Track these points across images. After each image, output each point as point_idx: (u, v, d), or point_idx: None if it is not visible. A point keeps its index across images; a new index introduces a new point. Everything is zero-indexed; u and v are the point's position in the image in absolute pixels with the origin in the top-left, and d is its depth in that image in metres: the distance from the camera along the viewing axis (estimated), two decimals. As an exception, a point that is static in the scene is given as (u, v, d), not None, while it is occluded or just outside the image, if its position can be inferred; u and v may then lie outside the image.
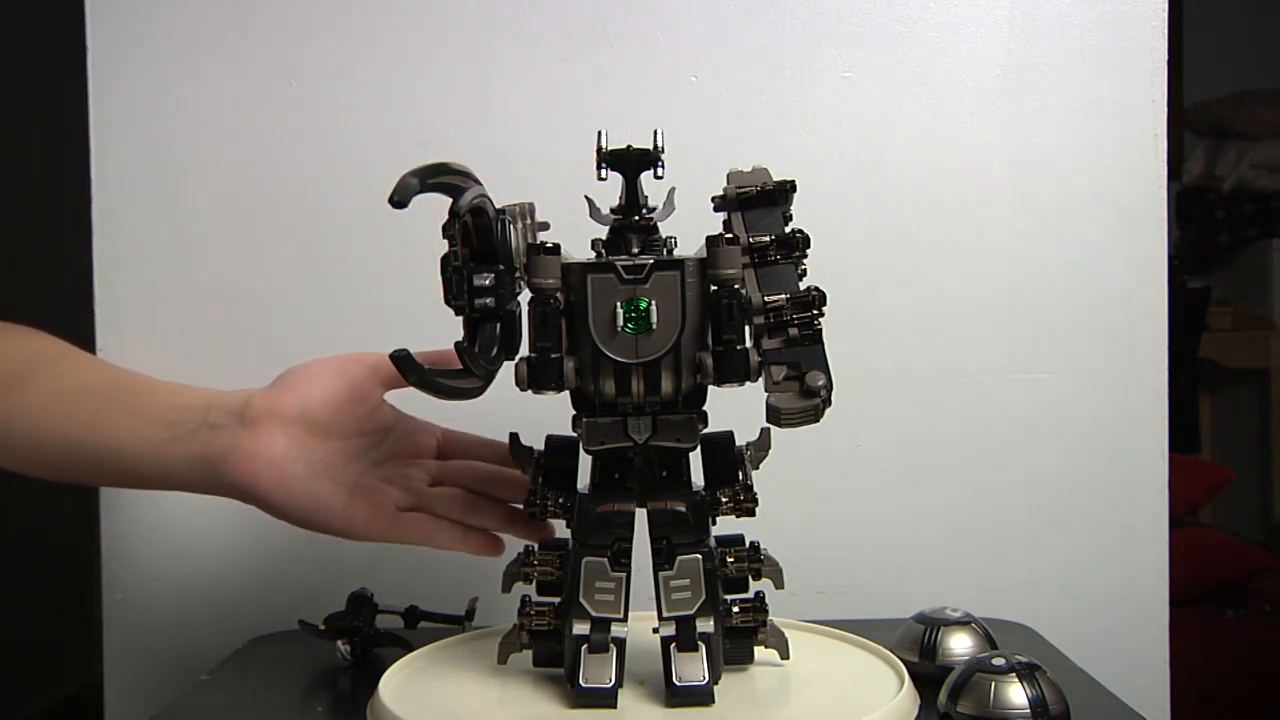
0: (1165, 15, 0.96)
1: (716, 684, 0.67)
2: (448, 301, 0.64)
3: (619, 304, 0.65)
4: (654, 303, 0.65)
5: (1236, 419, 2.96)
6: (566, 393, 0.67)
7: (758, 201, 0.68)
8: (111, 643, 0.97)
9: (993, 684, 0.63)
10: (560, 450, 0.72)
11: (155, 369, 0.80)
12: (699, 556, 0.67)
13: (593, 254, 0.68)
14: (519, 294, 0.68)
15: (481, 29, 0.96)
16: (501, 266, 0.65)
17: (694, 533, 0.68)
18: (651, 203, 0.68)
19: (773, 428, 0.64)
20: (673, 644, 0.67)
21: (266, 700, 0.77)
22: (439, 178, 0.61)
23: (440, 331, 0.66)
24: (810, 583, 0.95)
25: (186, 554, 0.96)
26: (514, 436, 0.73)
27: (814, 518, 0.95)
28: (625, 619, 0.67)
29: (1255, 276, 2.93)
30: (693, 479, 0.70)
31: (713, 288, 0.65)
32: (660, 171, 0.67)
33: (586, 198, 0.69)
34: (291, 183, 0.96)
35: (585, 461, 0.70)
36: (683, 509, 0.67)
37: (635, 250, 0.67)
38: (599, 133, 0.67)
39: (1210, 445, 2.94)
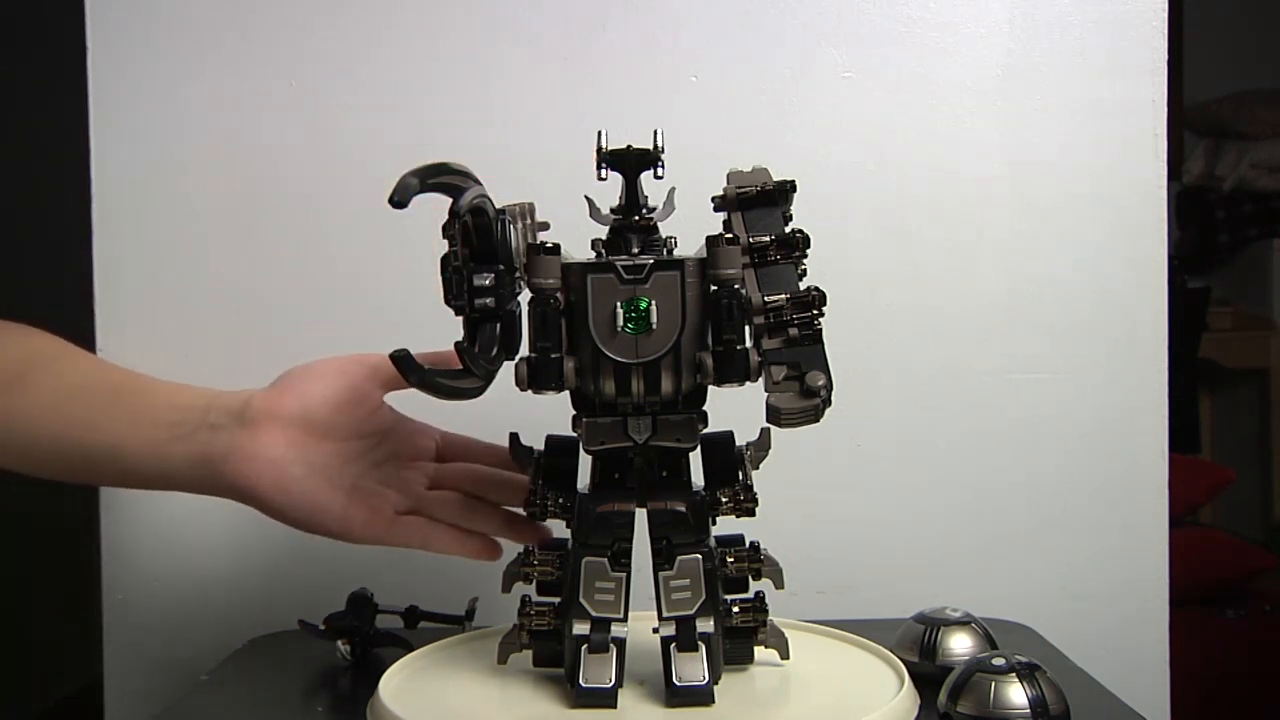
0: (1165, 15, 0.96)
1: (716, 684, 0.67)
2: (448, 301, 0.64)
3: (619, 304, 0.65)
4: (654, 303, 0.65)
5: (1236, 419, 2.96)
6: (566, 393, 0.67)
7: (758, 201, 0.68)
8: (111, 643, 0.97)
9: (993, 684, 0.63)
10: (560, 450, 0.72)
11: (155, 369, 0.80)
12: (699, 556, 0.67)
13: (593, 254, 0.68)
14: (519, 294, 0.68)
15: (481, 29, 0.96)
16: (501, 266, 0.65)
17: (694, 533, 0.68)
18: (651, 203, 0.68)
19: (773, 428, 0.64)
20: (673, 644, 0.67)
21: (266, 700, 0.77)
22: (439, 178, 0.61)
23: (440, 331, 0.66)
24: (810, 583, 0.95)
25: (187, 554, 0.96)
26: (514, 436, 0.73)
27: (814, 518, 0.95)
28: (625, 619, 0.67)
29: (1255, 276, 2.93)
30: (693, 479, 0.70)
31: (713, 288, 0.65)
32: (660, 171, 0.67)
33: (586, 198, 0.69)
34: (291, 183, 0.96)
35: (585, 461, 0.70)
36: (683, 509, 0.67)
37: (635, 250, 0.67)
38: (599, 133, 0.67)
39: (1210, 445, 2.94)
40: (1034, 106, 0.96)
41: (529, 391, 0.65)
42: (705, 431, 0.69)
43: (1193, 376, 2.76)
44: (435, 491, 0.76)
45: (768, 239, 0.67)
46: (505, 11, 0.96)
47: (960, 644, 0.72)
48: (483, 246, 0.65)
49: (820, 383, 0.62)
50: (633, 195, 0.68)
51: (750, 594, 0.71)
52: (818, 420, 0.63)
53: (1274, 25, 3.13)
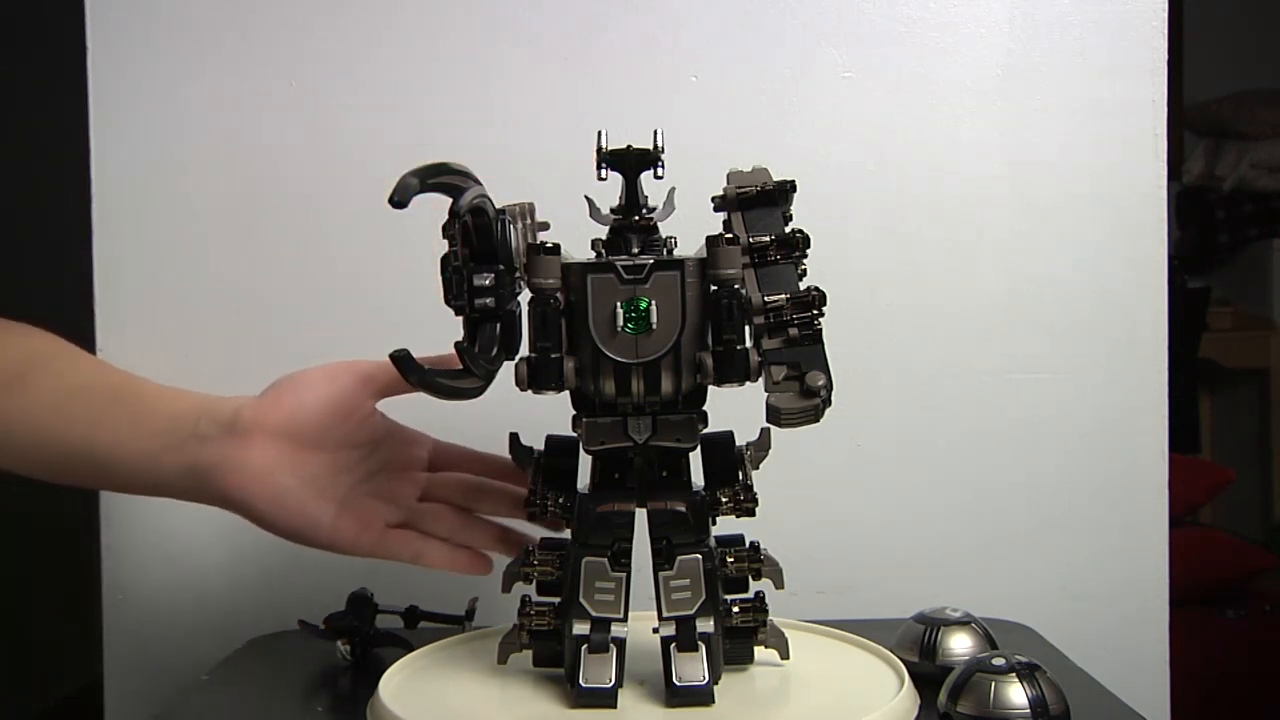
0: (1165, 15, 0.96)
1: (716, 684, 0.67)
2: (448, 301, 0.64)
3: (619, 304, 0.65)
4: (654, 303, 0.65)
5: (1236, 419, 2.96)
6: (566, 393, 0.67)
7: (758, 201, 0.68)
8: (111, 643, 0.97)
9: (993, 684, 0.63)
10: (560, 450, 0.72)
11: (155, 369, 0.80)
12: (699, 556, 0.67)
13: (593, 254, 0.68)
14: (519, 294, 0.68)
15: (481, 29, 0.96)
16: (501, 266, 0.65)
17: (694, 533, 0.68)
18: (651, 203, 0.68)
19: (773, 428, 0.64)
20: (673, 644, 0.67)
21: (266, 700, 0.77)
22: (439, 178, 0.61)
23: (440, 331, 0.66)
24: (810, 583, 0.94)
25: (187, 554, 0.96)
26: (514, 436, 0.73)
27: (814, 518, 0.95)
28: (625, 619, 0.67)
29: (1255, 276, 2.93)
30: (693, 479, 0.70)
31: (713, 288, 0.65)
32: (660, 171, 0.67)
33: (586, 198, 0.69)
34: (291, 183, 0.96)
35: (585, 461, 0.70)
36: (683, 509, 0.67)
37: (635, 250, 0.67)
38: (599, 133, 0.67)
39: (1210, 445, 2.94)
40: (1034, 106, 0.96)
41: (529, 391, 0.65)
42: (705, 431, 0.69)
43: (1193, 376, 2.76)
44: (427, 504, 0.76)
45: (768, 239, 0.67)
46: (505, 11, 0.96)
47: (960, 644, 0.72)
48: (483, 246, 0.65)
49: (820, 383, 0.62)
50: (633, 195, 0.68)
51: (750, 594, 0.71)
52: (818, 420, 0.63)
53: (1274, 25, 3.13)
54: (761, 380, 0.64)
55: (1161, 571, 0.97)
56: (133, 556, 0.96)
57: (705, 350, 0.65)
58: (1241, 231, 2.97)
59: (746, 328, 0.65)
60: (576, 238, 0.68)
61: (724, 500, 0.69)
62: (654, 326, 0.65)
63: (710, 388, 0.67)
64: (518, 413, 0.71)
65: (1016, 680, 0.63)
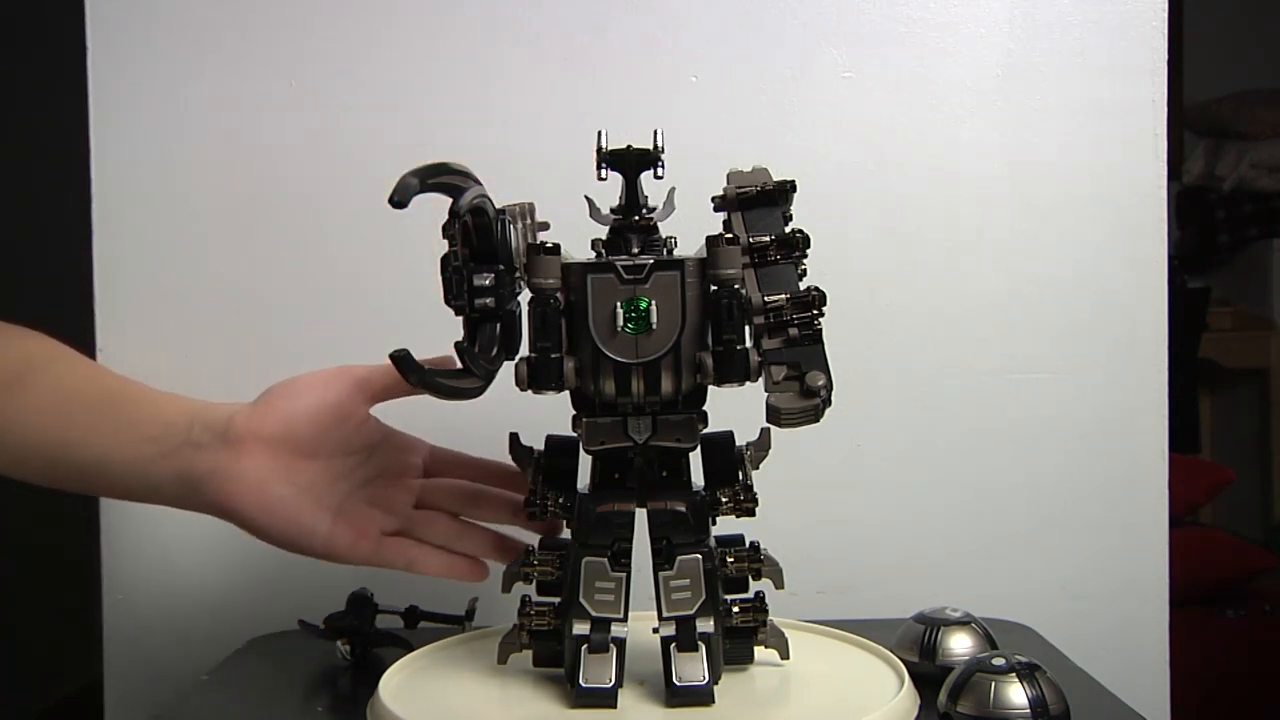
0: (1165, 15, 0.96)
1: (716, 684, 0.67)
2: (448, 301, 0.64)
3: (619, 304, 0.65)
4: (654, 303, 0.65)
5: (1236, 419, 2.96)
6: (566, 393, 0.67)
7: (758, 201, 0.68)
8: (111, 643, 0.97)
9: (993, 684, 0.63)
10: (560, 450, 0.72)
11: (156, 369, 0.80)
12: (699, 556, 0.67)
13: (593, 254, 0.68)
14: (519, 294, 0.67)
15: (481, 29, 0.96)
16: (501, 266, 0.65)
17: (694, 533, 0.68)
18: (651, 203, 0.68)
19: (773, 428, 0.64)
20: (673, 644, 0.67)
21: (266, 700, 0.77)
22: (439, 178, 0.61)
23: (440, 332, 0.66)
24: (810, 583, 0.94)
25: (187, 554, 0.96)
26: (514, 436, 0.73)
27: (814, 518, 0.95)
28: (625, 619, 0.67)
29: (1255, 276, 2.93)
30: (693, 479, 0.70)
31: (713, 288, 0.65)
32: (660, 171, 0.67)
33: (586, 198, 0.69)
34: (291, 183, 0.96)
35: (585, 461, 0.70)
36: (683, 509, 0.67)
37: (635, 250, 0.67)
38: (599, 133, 0.67)
39: (1210, 445, 2.94)
40: (1034, 106, 0.96)
41: (529, 391, 0.65)
42: (705, 431, 0.69)
43: (1193, 376, 2.76)
44: (423, 511, 0.76)
45: (768, 239, 0.67)
46: (505, 11, 0.96)
47: (960, 644, 0.72)
48: (483, 246, 0.65)
49: (820, 383, 0.62)
50: (633, 195, 0.68)
51: (750, 594, 0.71)
52: (818, 420, 0.63)
53: (1274, 25, 3.13)
54: (761, 380, 0.64)
55: (1161, 571, 0.97)
56: (133, 556, 0.96)
57: (705, 350, 0.65)
58: (1241, 231, 2.97)
59: (746, 328, 0.65)
60: (576, 238, 0.68)
61: (724, 500, 0.69)
62: (654, 326, 0.65)
63: (710, 388, 0.67)
64: (518, 413, 0.71)
65: (1016, 680, 0.63)
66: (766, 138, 0.96)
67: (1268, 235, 2.92)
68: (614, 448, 0.67)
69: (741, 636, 0.71)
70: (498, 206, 0.66)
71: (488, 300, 0.64)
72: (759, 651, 0.72)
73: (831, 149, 0.95)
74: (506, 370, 0.66)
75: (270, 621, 0.91)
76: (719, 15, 0.96)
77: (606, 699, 0.66)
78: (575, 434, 0.69)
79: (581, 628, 0.67)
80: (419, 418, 0.78)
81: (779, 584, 0.71)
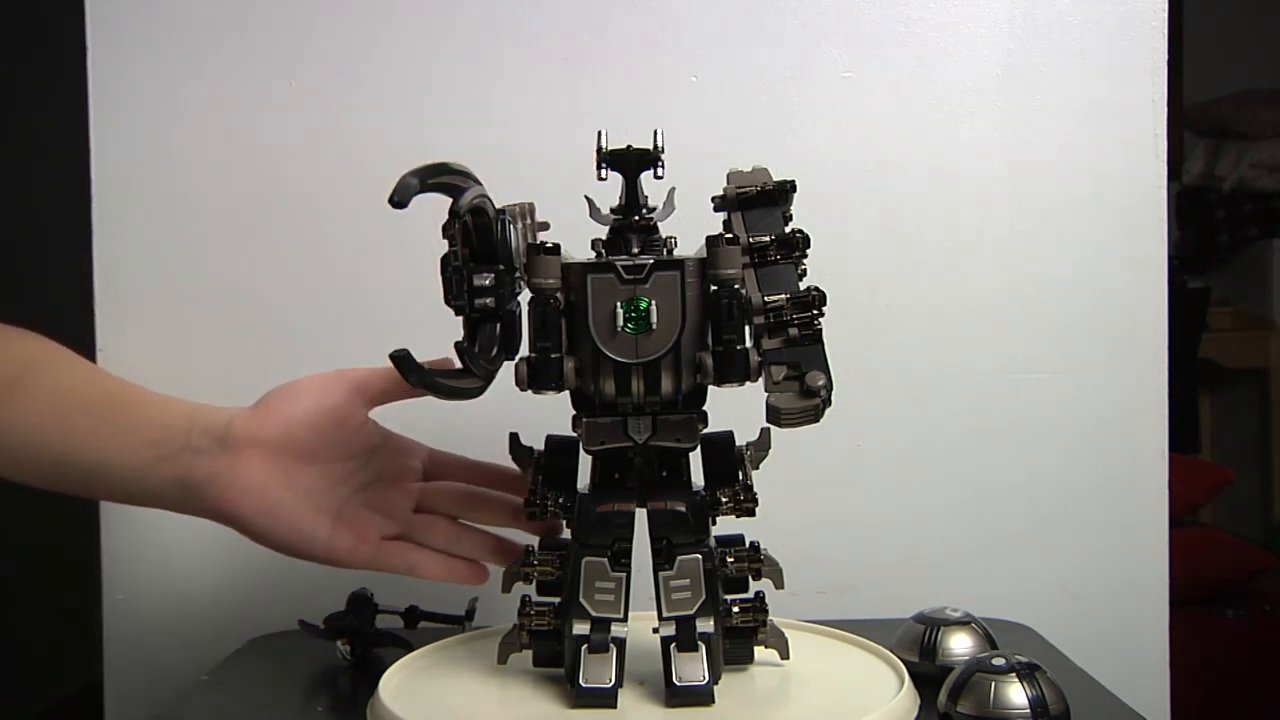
0: (1165, 15, 0.96)
1: (716, 684, 0.67)
2: (448, 301, 0.64)
3: (619, 304, 0.65)
4: (654, 303, 0.65)
5: (1236, 419, 2.96)
6: (566, 393, 0.67)
7: (758, 201, 0.68)
8: (111, 643, 0.97)
9: (993, 684, 0.63)
10: (560, 450, 0.72)
11: (156, 370, 0.80)
12: (699, 556, 0.67)
13: (593, 254, 0.68)
14: (519, 294, 0.67)
15: (481, 29, 0.96)
16: (501, 266, 0.65)
17: (694, 533, 0.68)
18: (651, 203, 0.68)
19: (773, 428, 0.64)
20: (673, 644, 0.67)
21: (266, 700, 0.77)
22: (439, 178, 0.61)
23: (440, 332, 0.66)
24: (810, 583, 0.94)
25: (187, 554, 0.96)
26: (514, 436, 0.73)
27: (814, 518, 0.95)
28: (625, 619, 0.67)
29: (1255, 276, 2.93)
30: (693, 479, 0.70)
31: (713, 288, 0.65)
32: (660, 171, 0.67)
33: (586, 198, 0.69)
34: (291, 183, 0.96)
35: (585, 461, 0.70)
36: (683, 509, 0.67)
37: (635, 250, 0.67)
38: (599, 133, 0.67)
39: (1210, 445, 2.94)
40: (1034, 106, 0.96)
41: (529, 391, 0.65)
42: (705, 431, 0.69)
43: (1193, 376, 2.76)
44: (422, 515, 0.76)
45: (768, 239, 0.67)
46: (505, 11, 0.96)
47: (960, 644, 0.72)
48: (483, 246, 0.65)
49: (820, 383, 0.62)
50: (633, 195, 0.68)
51: (750, 594, 0.71)
52: (818, 420, 0.63)
53: (1274, 25, 3.13)
54: (761, 380, 0.64)
55: (1161, 571, 0.97)
56: (133, 557, 0.96)
57: (705, 350, 0.65)
58: (1241, 231, 2.97)
59: (746, 328, 0.65)
60: (576, 238, 0.68)
61: (724, 500, 0.69)
62: (654, 326, 0.65)
63: (710, 388, 0.67)
64: (518, 413, 0.71)
65: (1016, 680, 0.63)
66: (766, 138, 0.96)
67: (1268, 235, 2.92)
68: (614, 448, 0.67)
69: (741, 636, 0.71)
70: (498, 206, 0.66)
71: (488, 300, 0.64)
72: (759, 651, 0.72)
73: (831, 149, 0.95)
74: (506, 370, 0.66)
75: (270, 621, 0.91)
76: (719, 15, 0.96)
77: (606, 699, 0.66)
78: (575, 434, 0.69)
79: (581, 628, 0.67)
80: (419, 419, 0.78)
81: (779, 584, 0.71)
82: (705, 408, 0.69)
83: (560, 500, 0.70)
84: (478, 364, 0.64)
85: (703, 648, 0.66)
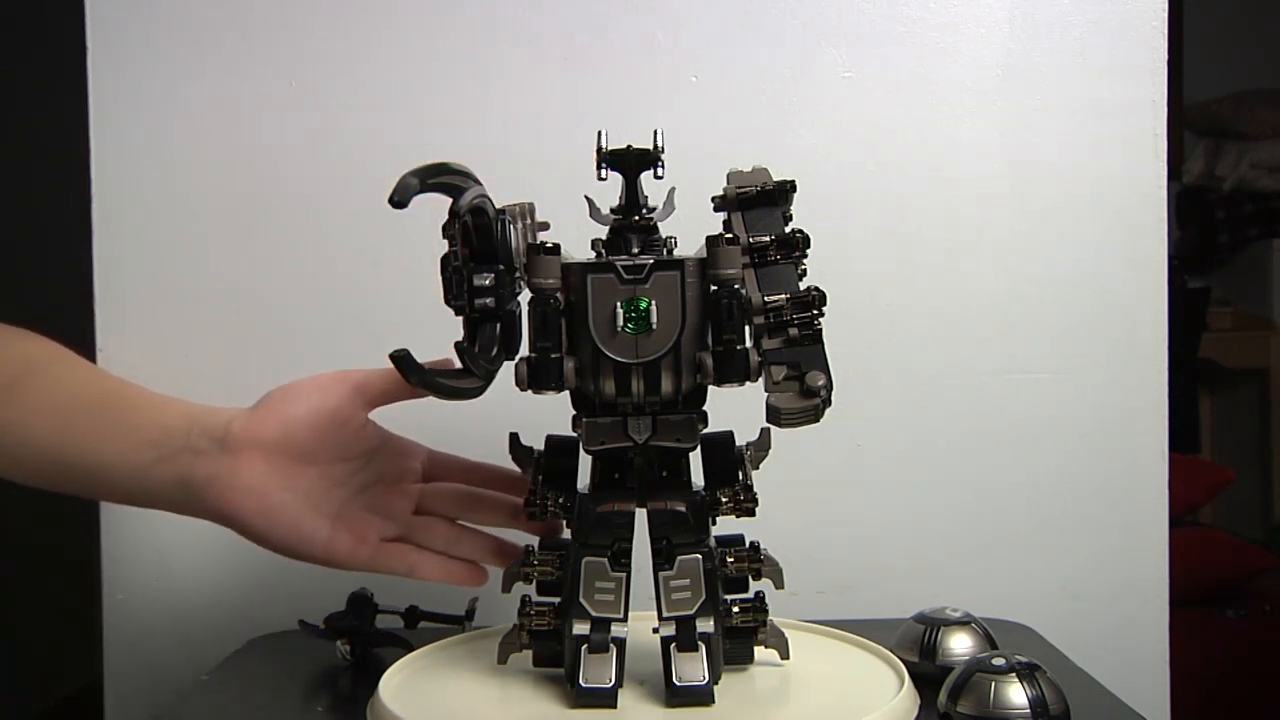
0: (1165, 15, 0.96)
1: (716, 684, 0.67)
2: (448, 301, 0.64)
3: (619, 304, 0.65)
4: (654, 303, 0.65)
5: (1236, 419, 2.96)
6: (566, 393, 0.67)
7: (758, 201, 0.68)
8: (111, 643, 0.97)
9: (993, 684, 0.63)
10: (560, 450, 0.72)
11: (156, 369, 0.80)
12: (699, 556, 0.67)
13: (593, 254, 0.68)
14: (519, 294, 0.67)
15: (481, 29, 0.96)
16: (501, 266, 0.65)
17: (694, 533, 0.68)
18: (651, 203, 0.68)
19: (773, 428, 0.64)
20: (673, 644, 0.67)
21: (266, 700, 0.77)
22: (439, 178, 0.61)
23: (440, 332, 0.66)
24: (810, 583, 0.95)
25: (187, 554, 0.96)
26: (514, 436, 0.73)
27: (814, 518, 0.95)
28: (625, 619, 0.67)
29: (1255, 276, 2.93)
30: (693, 479, 0.70)
31: (713, 288, 0.65)
32: (660, 171, 0.67)
33: (586, 198, 0.69)
34: (291, 183, 0.96)
35: (585, 461, 0.70)
36: (683, 509, 0.67)
37: (635, 250, 0.67)
38: (599, 133, 0.67)
39: (1210, 445, 2.94)
40: (1034, 106, 0.96)
41: (529, 391, 0.65)
42: (705, 431, 0.69)
43: (1193, 376, 2.76)
44: (422, 517, 0.75)
45: (768, 239, 0.67)
46: (505, 11, 0.96)
47: (960, 644, 0.72)
48: (483, 246, 0.65)
49: (820, 383, 0.62)
50: (633, 195, 0.68)
51: (750, 594, 0.71)
52: (818, 420, 0.63)
53: (1274, 25, 3.13)
54: (761, 380, 0.64)
55: (1161, 571, 0.97)
56: (132, 557, 0.96)
57: (705, 350, 0.65)
58: (1241, 231, 2.97)
59: (746, 328, 0.65)
60: (576, 238, 0.68)
61: (724, 500, 0.69)
62: (654, 326, 0.65)
63: (710, 388, 0.67)
64: (518, 413, 0.71)
65: (1016, 680, 0.63)
66: (766, 138, 0.96)
67: (1268, 235, 2.92)
68: (614, 448, 0.67)
69: (741, 636, 0.71)
70: (498, 206, 0.66)
71: (488, 300, 0.64)
72: (759, 651, 0.72)
73: (831, 149, 0.95)
74: (506, 370, 0.66)
75: (270, 621, 0.91)
76: (719, 15, 0.96)
77: (606, 699, 0.66)
78: (575, 434, 0.69)
79: (581, 628, 0.67)
80: (418, 419, 0.78)
81: (779, 584, 0.71)
82: (705, 408, 0.69)
83: (560, 500, 0.70)
84: (478, 364, 0.64)
85: (703, 648, 0.66)
